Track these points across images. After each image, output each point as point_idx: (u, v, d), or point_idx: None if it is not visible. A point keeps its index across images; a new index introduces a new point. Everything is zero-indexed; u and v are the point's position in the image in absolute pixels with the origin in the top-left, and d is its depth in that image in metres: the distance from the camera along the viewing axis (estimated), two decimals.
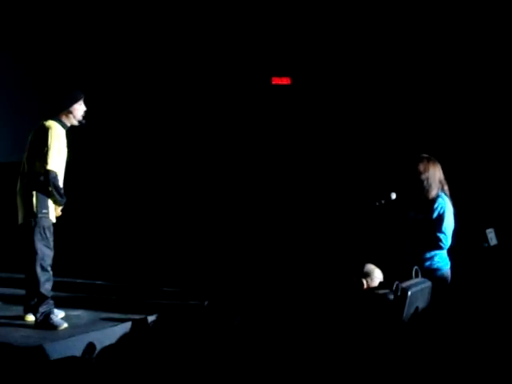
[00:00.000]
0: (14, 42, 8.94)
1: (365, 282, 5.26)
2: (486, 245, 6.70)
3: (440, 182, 5.93)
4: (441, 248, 5.84)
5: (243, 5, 10.23)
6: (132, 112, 10.11)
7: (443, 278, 5.83)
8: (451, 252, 6.01)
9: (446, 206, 5.84)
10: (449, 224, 5.84)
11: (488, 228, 6.71)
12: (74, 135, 6.35)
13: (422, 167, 5.87)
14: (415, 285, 5.22)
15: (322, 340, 4.91)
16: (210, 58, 10.35)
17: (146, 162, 10.18)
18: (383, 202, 5.99)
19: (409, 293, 5.01)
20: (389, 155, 9.01)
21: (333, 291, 6.09)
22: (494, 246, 6.71)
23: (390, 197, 6.01)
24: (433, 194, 5.87)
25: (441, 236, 5.81)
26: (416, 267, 5.48)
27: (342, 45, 9.93)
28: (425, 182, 5.85)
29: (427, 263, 5.83)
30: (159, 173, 10.11)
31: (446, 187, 5.96)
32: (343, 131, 9.88)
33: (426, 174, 5.86)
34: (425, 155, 5.97)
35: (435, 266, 5.85)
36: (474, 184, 8.18)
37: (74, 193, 6.51)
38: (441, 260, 5.90)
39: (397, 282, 5.02)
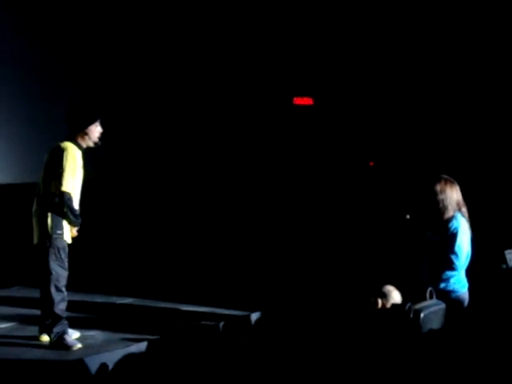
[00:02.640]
0: (30, 60, 9.05)
1: (380, 301, 5.24)
2: (505, 266, 6.61)
3: (457, 203, 5.86)
4: (453, 269, 5.76)
5: (267, 26, 10.29)
6: (151, 129, 10.17)
7: (458, 301, 5.75)
8: (469, 274, 5.92)
9: (459, 227, 5.77)
10: (461, 245, 5.76)
11: (507, 249, 6.63)
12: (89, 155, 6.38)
13: (438, 188, 5.82)
14: (428, 306, 5.16)
15: (333, 357, 4.87)
16: (233, 77, 10.40)
17: (162, 179, 10.24)
18: (408, 217, 5.96)
19: (421, 315, 4.95)
20: (410, 174, 8.97)
21: (347, 310, 6.05)
22: None
23: (405, 217, 5.98)
24: (448, 215, 5.80)
25: (452, 257, 5.74)
26: (430, 288, 5.42)
27: (365, 66, 9.94)
28: (441, 204, 5.80)
29: (442, 285, 5.75)
30: (175, 190, 10.16)
31: (463, 209, 5.89)
32: (364, 151, 9.87)
33: (443, 196, 5.80)
34: (443, 176, 5.92)
35: (450, 288, 5.77)
36: (493, 205, 8.10)
37: (89, 212, 6.54)
38: (457, 282, 5.82)
39: (409, 304, 4.96)
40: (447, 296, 5.63)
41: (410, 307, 4.94)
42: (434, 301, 5.35)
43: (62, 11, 9.26)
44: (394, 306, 5.12)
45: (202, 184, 10.23)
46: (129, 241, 9.60)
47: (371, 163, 10.39)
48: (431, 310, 5.13)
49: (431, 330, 5.04)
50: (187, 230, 9.94)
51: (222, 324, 6.70)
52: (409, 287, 5.48)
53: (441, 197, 5.81)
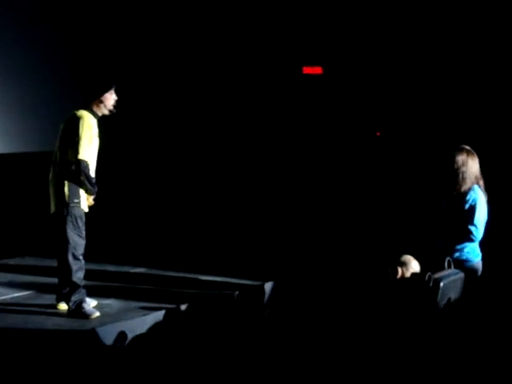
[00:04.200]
0: (46, 33, 9.01)
1: (400, 270, 5.26)
2: None
3: (476, 176, 5.85)
4: (472, 240, 5.78)
5: None
6: (158, 106, 10.16)
7: (473, 270, 5.76)
8: (483, 245, 5.93)
9: (478, 199, 5.77)
10: (480, 216, 5.77)
11: None
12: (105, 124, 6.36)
13: (460, 160, 5.80)
14: (447, 276, 5.19)
15: (354, 329, 4.90)
16: (241, 48, 10.35)
17: (177, 150, 10.24)
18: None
19: (441, 284, 4.99)
20: (424, 146, 8.93)
21: (366, 280, 6.07)
22: None
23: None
24: (466, 187, 5.80)
25: (472, 228, 5.74)
26: (448, 258, 5.45)
27: (374, 35, 9.86)
28: (460, 175, 5.79)
29: (456, 254, 5.76)
30: (189, 160, 10.16)
31: (481, 182, 5.88)
32: (377, 121, 9.83)
33: (464, 168, 5.79)
34: (466, 147, 5.89)
35: (464, 257, 5.79)
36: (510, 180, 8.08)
37: (106, 181, 6.54)
38: (471, 251, 5.83)
39: (429, 273, 4.99)
40: (461, 265, 5.65)
41: (429, 276, 4.97)
42: (453, 270, 5.39)
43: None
44: (414, 274, 5.14)
45: (217, 152, 10.21)
46: (140, 210, 9.62)
47: (378, 133, 10.35)
48: (450, 279, 5.16)
49: (451, 300, 5.07)
50: (200, 200, 9.96)
51: (236, 293, 6.73)
52: (423, 257, 5.50)
53: (462, 169, 5.79)
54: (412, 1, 9.45)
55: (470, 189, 5.79)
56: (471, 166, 5.81)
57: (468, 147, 5.89)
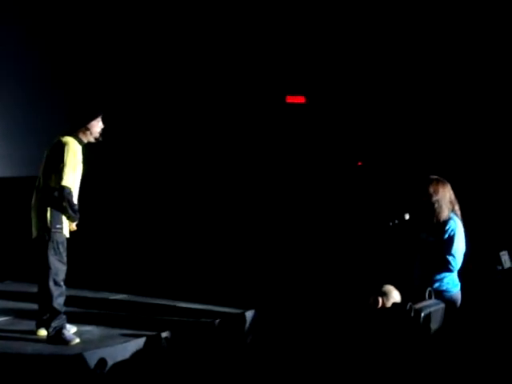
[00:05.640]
0: (33, 56, 9.02)
1: (381, 300, 5.28)
2: (500, 267, 6.68)
3: (451, 202, 5.92)
4: (450, 270, 5.83)
5: (260, 25, 10.32)
6: (146, 127, 10.17)
7: (452, 301, 5.81)
8: (462, 274, 5.98)
9: (456, 229, 5.83)
10: (459, 247, 5.83)
11: (502, 251, 6.69)
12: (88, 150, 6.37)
13: (431, 189, 5.86)
14: (428, 306, 5.22)
15: (334, 357, 4.91)
16: (227, 76, 10.42)
17: (160, 175, 10.24)
18: (397, 222, 5.99)
19: (422, 314, 5.02)
20: (402, 175, 9.02)
21: (347, 310, 6.09)
22: (509, 268, 6.68)
23: (403, 217, 6.01)
24: (444, 215, 5.86)
25: (450, 258, 5.80)
26: (430, 288, 5.49)
27: (356, 66, 9.99)
28: (436, 205, 5.85)
29: (436, 285, 5.81)
30: (170, 187, 10.16)
31: (456, 207, 5.95)
32: (356, 151, 9.92)
33: (437, 197, 5.86)
34: (434, 176, 5.97)
35: (444, 288, 5.83)
36: (488, 206, 8.17)
37: (88, 207, 6.52)
38: (450, 282, 5.88)
39: (410, 303, 5.02)
40: (441, 296, 5.69)
41: (410, 306, 5.00)
42: (433, 300, 5.42)
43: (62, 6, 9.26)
44: (395, 305, 5.17)
45: (196, 182, 10.24)
46: (121, 237, 9.59)
47: (359, 163, 10.45)
48: (431, 310, 5.19)
49: (432, 331, 5.11)
50: (181, 228, 9.95)
51: (217, 321, 6.72)
52: (404, 287, 5.53)
53: (435, 198, 5.86)
54: (389, 35, 9.62)
55: (449, 218, 5.85)
56: (443, 193, 5.88)
57: (436, 176, 5.96)
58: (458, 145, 8.97)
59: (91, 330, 6.37)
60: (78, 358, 5.52)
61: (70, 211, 6.03)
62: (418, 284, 5.76)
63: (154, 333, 6.14)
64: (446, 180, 5.95)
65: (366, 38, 9.95)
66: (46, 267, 5.96)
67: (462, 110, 9.08)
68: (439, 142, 9.13)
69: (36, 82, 8.97)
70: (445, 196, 5.88)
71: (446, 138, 9.12)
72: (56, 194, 5.97)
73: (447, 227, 5.83)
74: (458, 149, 8.93)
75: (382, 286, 5.39)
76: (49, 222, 5.98)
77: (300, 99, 10.64)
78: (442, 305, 5.41)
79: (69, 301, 6.23)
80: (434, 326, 5.20)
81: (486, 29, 8.94)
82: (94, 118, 6.17)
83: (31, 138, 8.47)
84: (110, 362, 5.58)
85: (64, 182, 5.94)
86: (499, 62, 8.87)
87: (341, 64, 10.16)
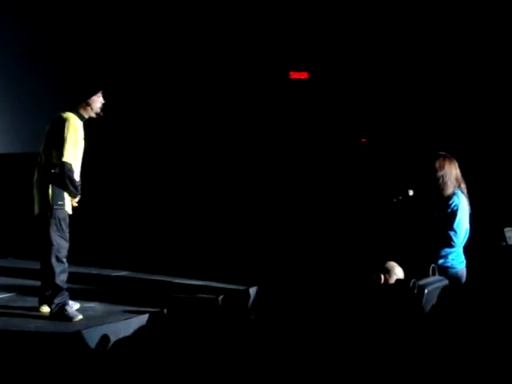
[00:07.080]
0: (35, 34, 8.97)
1: (383, 277, 5.27)
2: (504, 244, 6.65)
3: (457, 179, 5.88)
4: (451, 246, 5.78)
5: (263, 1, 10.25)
6: (147, 107, 10.13)
7: (456, 277, 5.77)
8: (467, 251, 5.95)
9: (459, 204, 5.79)
10: (461, 222, 5.78)
11: (506, 227, 6.65)
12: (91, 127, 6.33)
13: (437, 164, 5.83)
14: (432, 283, 5.19)
15: (337, 335, 4.90)
16: (229, 53, 10.36)
17: (163, 152, 10.22)
18: (401, 198, 5.96)
19: (426, 290, 4.99)
20: (407, 151, 8.98)
21: (349, 286, 6.07)
22: None
23: (407, 193, 5.98)
24: (448, 191, 5.82)
25: (451, 233, 5.76)
26: (433, 265, 5.46)
27: (361, 40, 9.91)
28: (440, 180, 5.81)
29: (441, 261, 5.77)
30: (176, 162, 10.15)
31: (463, 185, 5.91)
32: (361, 127, 9.87)
33: (442, 172, 5.82)
34: (441, 153, 5.93)
35: (449, 264, 5.80)
36: (493, 183, 8.12)
37: (90, 183, 6.50)
38: (455, 258, 5.84)
39: (413, 280, 4.99)
40: (445, 272, 5.67)
41: (414, 283, 4.97)
42: (437, 277, 5.39)
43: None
44: (398, 281, 5.15)
45: (199, 157, 10.21)
46: (125, 213, 9.58)
47: (363, 139, 10.40)
48: (435, 286, 5.16)
49: (434, 308, 5.08)
50: (185, 203, 9.94)
51: (221, 298, 6.71)
52: (408, 263, 5.51)
53: (440, 173, 5.82)
54: (395, 9, 9.52)
55: (453, 193, 5.82)
56: (449, 169, 5.84)
57: (444, 152, 5.92)
58: (463, 121, 8.91)
59: (94, 306, 6.37)
60: (81, 335, 5.51)
61: (71, 187, 6.00)
62: (424, 260, 5.72)
63: (156, 309, 6.15)
64: (453, 157, 5.91)
65: (372, 12, 9.85)
66: (49, 244, 5.95)
67: (468, 86, 9.00)
68: (443, 118, 9.07)
69: (35, 56, 8.91)
70: (451, 172, 5.84)
71: (451, 114, 9.06)
72: (57, 170, 5.94)
73: (450, 202, 5.80)
74: (463, 125, 8.87)
75: (384, 263, 5.37)
76: (50, 198, 5.95)
77: (303, 75, 10.58)
78: (446, 281, 5.38)
79: (71, 277, 6.23)
80: (431, 302, 5.17)
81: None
82: (94, 93, 6.12)
83: (32, 114, 8.44)
84: (113, 339, 5.58)
85: (65, 158, 5.91)
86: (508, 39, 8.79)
87: (345, 39, 10.07)
